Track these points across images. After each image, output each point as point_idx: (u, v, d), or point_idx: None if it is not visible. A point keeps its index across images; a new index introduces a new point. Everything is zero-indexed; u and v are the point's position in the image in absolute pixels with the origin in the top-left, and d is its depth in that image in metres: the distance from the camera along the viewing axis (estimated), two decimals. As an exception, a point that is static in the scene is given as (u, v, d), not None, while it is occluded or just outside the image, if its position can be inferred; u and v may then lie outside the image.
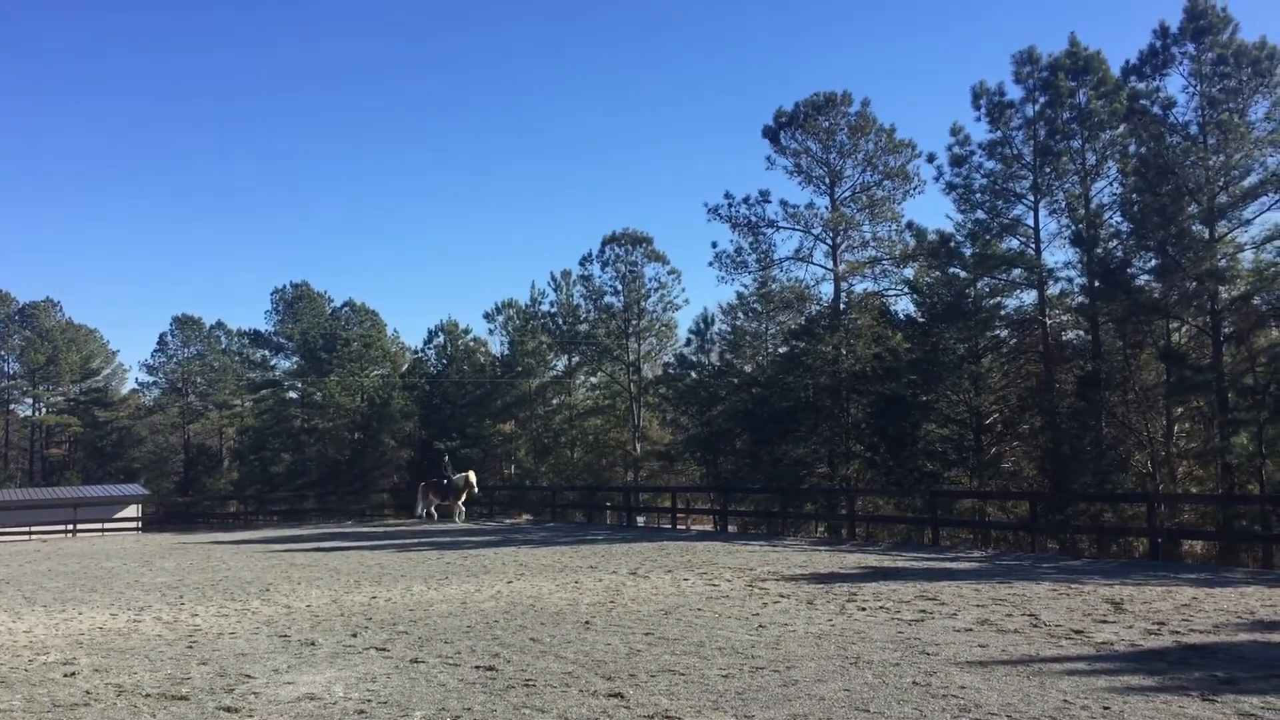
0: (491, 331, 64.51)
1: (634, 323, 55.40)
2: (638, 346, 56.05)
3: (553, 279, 59.71)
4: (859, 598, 12.97)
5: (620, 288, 55.33)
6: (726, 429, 43.31)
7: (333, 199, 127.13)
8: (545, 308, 60.36)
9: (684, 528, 29.26)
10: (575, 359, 60.36)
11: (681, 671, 8.61)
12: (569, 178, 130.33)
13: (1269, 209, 31.15)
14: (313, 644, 10.40)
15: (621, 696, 7.73)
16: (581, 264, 56.39)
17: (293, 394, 69.40)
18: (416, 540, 25.12)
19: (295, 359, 69.56)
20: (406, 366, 67.64)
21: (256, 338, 72.62)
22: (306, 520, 40.32)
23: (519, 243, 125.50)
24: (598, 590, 14.26)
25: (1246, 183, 31.14)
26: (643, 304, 55.37)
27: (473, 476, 32.60)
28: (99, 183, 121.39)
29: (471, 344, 64.89)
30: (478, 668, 8.96)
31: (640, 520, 34.11)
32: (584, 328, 57.17)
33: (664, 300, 55.71)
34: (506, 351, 62.49)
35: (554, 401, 61.02)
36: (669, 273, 55.51)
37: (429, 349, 65.77)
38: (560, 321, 58.78)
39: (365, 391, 63.62)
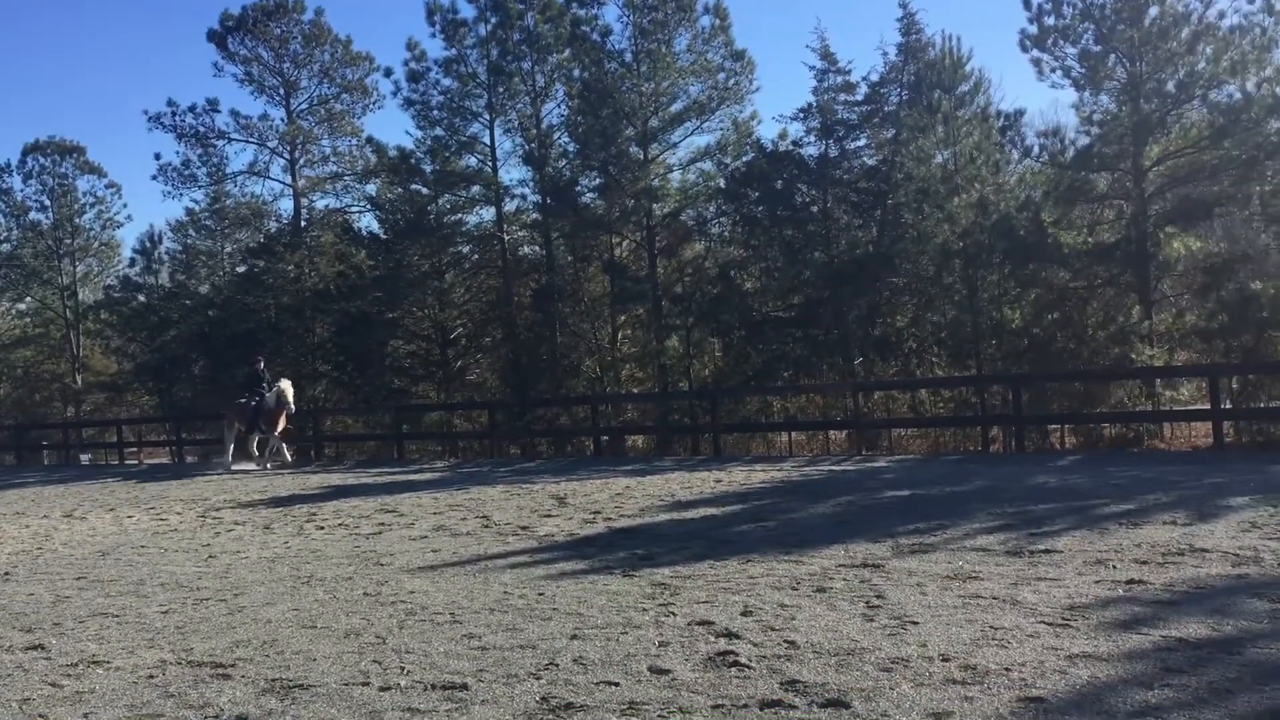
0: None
1: (67, 242, 49.67)
2: (73, 268, 50.47)
3: (-40, 194, 51.83)
4: (318, 517, 12.80)
5: (49, 203, 49.16)
6: (181, 354, 40.55)
7: None
8: (-47, 226, 52.29)
9: (136, 462, 27.20)
10: (-4, 283, 53.12)
11: (115, 614, 7.95)
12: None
13: (692, 133, 34.63)
14: None
15: (43, 648, 6.99)
16: (-2, 176, 49.42)
17: None
18: None
19: None
20: None
21: None
22: None
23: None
24: (23, 538, 12.80)
25: (674, 109, 34.29)
26: (77, 221, 49.78)
27: (288, 390, 21.49)
28: None
29: None
30: None
31: (85, 458, 31.18)
32: (5, 248, 50.36)
33: (103, 217, 50.36)
34: (-101, 277, 53.51)
35: (-29, 332, 53.43)
36: (107, 186, 50.22)
37: None
38: (-25, 242, 51.27)
39: None
